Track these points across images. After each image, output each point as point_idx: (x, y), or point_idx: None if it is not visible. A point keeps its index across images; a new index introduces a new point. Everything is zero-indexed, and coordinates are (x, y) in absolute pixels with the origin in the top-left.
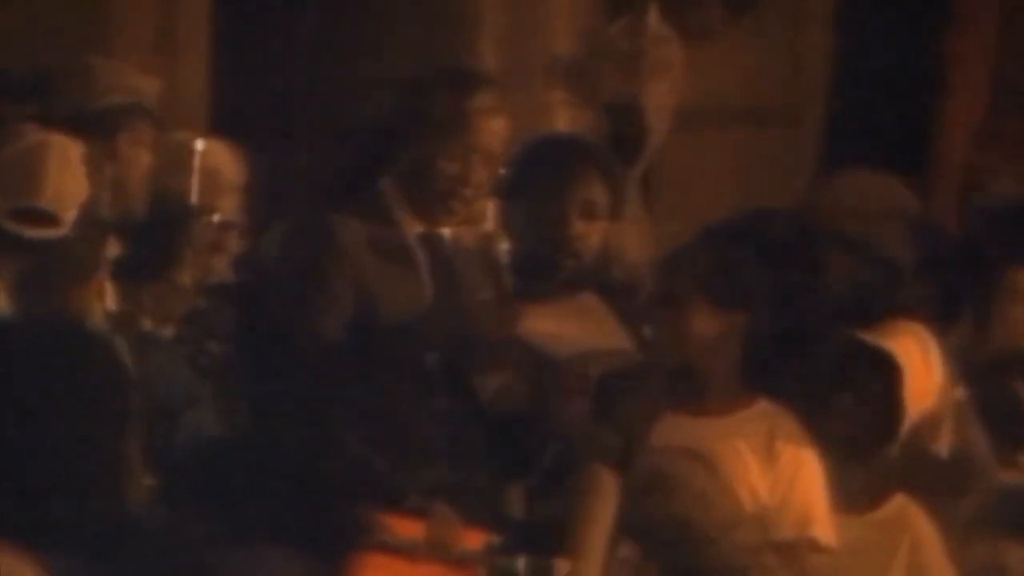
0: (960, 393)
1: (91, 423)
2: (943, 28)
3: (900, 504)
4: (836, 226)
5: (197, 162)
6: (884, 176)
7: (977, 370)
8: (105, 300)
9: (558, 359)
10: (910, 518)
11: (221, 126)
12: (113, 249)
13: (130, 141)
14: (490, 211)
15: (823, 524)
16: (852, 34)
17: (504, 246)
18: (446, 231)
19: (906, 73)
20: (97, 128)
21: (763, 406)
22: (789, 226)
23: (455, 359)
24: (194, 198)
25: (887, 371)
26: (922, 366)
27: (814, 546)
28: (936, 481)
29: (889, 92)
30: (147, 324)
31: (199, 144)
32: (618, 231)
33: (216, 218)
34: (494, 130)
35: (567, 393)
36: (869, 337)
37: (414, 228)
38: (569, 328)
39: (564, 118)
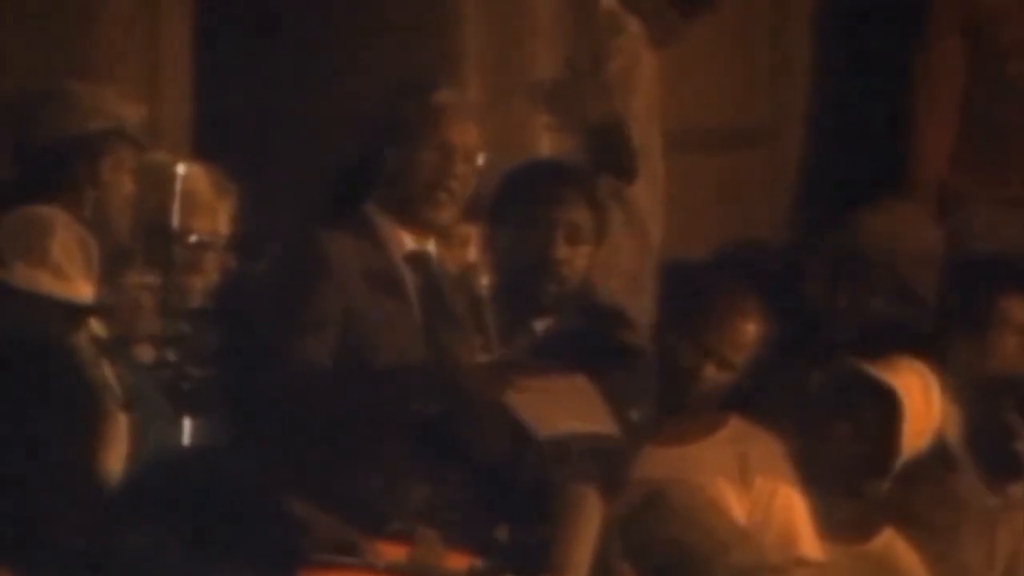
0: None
1: (59, 439)
2: (913, 53)
3: (887, 539)
4: (876, 257)
5: (179, 186)
6: (916, 214)
7: (969, 399)
8: (89, 324)
9: (540, 438)
10: (896, 553)
11: (204, 150)
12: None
13: (112, 167)
14: (474, 236)
15: (808, 540)
16: (829, 60)
17: (484, 280)
18: (432, 249)
19: (880, 97)
20: (78, 154)
21: (734, 427)
22: (830, 252)
23: (443, 412)
24: (175, 222)
25: (888, 406)
26: (923, 405)
27: (803, 563)
28: (929, 514)
29: (865, 117)
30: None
31: (181, 168)
32: (608, 252)
33: (193, 239)
34: (464, 126)
35: (548, 467)
36: (874, 370)
37: (403, 244)
38: (557, 407)
39: (548, 142)
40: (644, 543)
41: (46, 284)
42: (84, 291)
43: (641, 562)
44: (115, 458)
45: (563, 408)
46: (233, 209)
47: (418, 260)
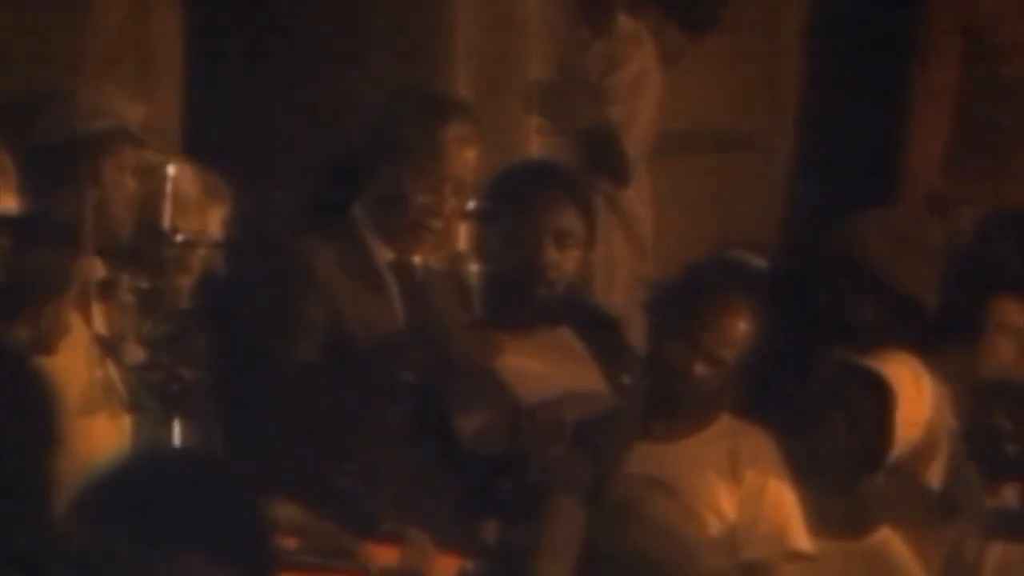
0: (953, 425)
1: (17, 443)
2: (908, 61)
3: (883, 536)
4: (863, 261)
5: (169, 188)
6: (911, 218)
7: (963, 401)
8: (94, 324)
9: (532, 403)
10: (892, 551)
11: (195, 150)
12: (99, 271)
13: (114, 166)
14: (462, 234)
15: (798, 533)
16: (823, 63)
17: (474, 267)
18: (417, 258)
19: (873, 101)
20: (81, 153)
21: (724, 423)
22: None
23: (431, 391)
24: (166, 223)
25: (881, 396)
26: (915, 395)
27: (794, 557)
28: (923, 512)
29: (857, 119)
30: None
31: (171, 169)
32: (608, 265)
33: (180, 238)
34: (466, 159)
35: (541, 438)
36: (866, 361)
37: (385, 255)
38: (545, 366)
39: (539, 144)
40: (613, 552)
41: None
42: (7, 202)
43: (611, 570)
44: (79, 459)
45: (551, 367)
46: (227, 214)
47: (401, 267)
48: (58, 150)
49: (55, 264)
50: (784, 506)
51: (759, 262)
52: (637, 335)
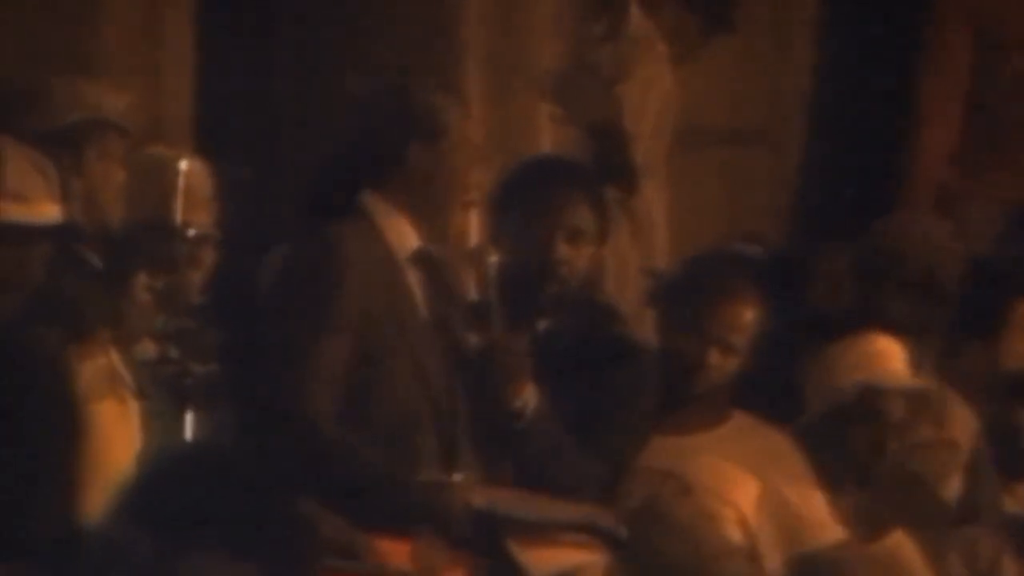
0: (975, 427)
1: (41, 440)
2: (918, 54)
3: (896, 540)
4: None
5: (182, 183)
6: (937, 220)
7: (980, 400)
8: None
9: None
10: (904, 555)
11: (205, 142)
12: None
13: (98, 157)
14: (474, 227)
15: (823, 527)
16: (831, 58)
17: (493, 259)
18: (434, 247)
19: (883, 97)
20: (62, 146)
21: (739, 420)
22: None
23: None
24: (178, 217)
25: None
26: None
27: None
28: (936, 525)
29: (866, 115)
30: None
31: (183, 164)
32: (617, 264)
33: (191, 233)
34: (475, 136)
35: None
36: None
37: (406, 241)
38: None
39: (551, 136)
40: (636, 553)
41: (8, 212)
42: (49, 212)
43: (632, 571)
44: (110, 454)
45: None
46: (231, 199)
47: (422, 257)
48: (38, 145)
49: (93, 306)
50: (805, 501)
51: (758, 253)
52: (647, 330)
